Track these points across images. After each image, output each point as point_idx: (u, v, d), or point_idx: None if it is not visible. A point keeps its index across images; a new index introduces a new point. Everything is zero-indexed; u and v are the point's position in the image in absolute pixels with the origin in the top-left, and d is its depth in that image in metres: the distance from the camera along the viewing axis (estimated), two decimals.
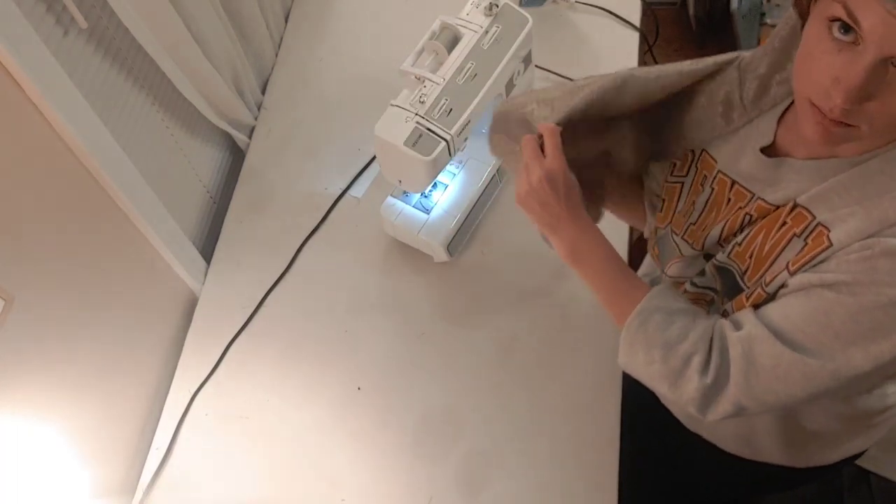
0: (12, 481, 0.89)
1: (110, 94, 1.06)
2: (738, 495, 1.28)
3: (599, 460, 1.09)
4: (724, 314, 0.81)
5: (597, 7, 1.52)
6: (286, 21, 1.59)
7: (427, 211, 1.23)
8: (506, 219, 1.31)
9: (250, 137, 1.44)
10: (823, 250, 0.69)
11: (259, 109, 1.47)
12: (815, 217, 0.71)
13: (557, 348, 1.19)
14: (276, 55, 1.54)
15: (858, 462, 1.41)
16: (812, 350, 0.68)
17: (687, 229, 0.89)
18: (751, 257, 0.78)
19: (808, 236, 0.72)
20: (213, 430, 1.17)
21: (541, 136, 0.83)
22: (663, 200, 0.93)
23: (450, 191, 1.25)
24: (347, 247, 1.32)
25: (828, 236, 0.69)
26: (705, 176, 0.86)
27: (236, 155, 1.48)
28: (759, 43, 2.22)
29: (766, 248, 0.76)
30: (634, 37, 1.49)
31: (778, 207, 0.76)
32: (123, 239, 1.10)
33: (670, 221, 0.92)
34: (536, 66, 1.39)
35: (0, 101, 0.83)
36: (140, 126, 1.14)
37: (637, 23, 1.50)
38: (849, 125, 0.63)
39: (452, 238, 1.23)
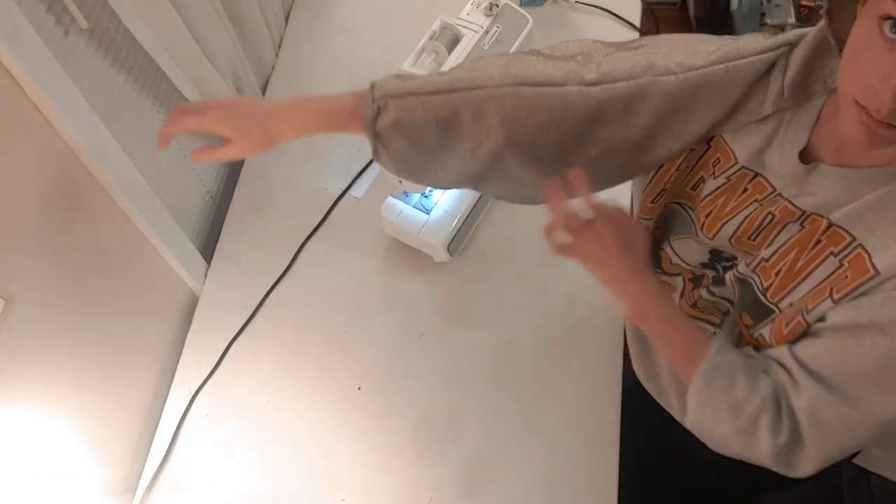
0: (12, 481, 0.89)
1: (110, 94, 1.06)
2: (738, 494, 1.28)
3: (599, 460, 1.10)
4: (753, 341, 0.81)
5: (597, 7, 1.52)
6: (286, 21, 1.59)
7: (427, 211, 1.23)
8: (506, 219, 1.31)
9: None
10: (870, 278, 0.68)
11: None
12: (854, 238, 0.71)
13: (557, 348, 1.19)
14: (276, 55, 1.54)
15: (858, 462, 1.41)
16: (876, 403, 0.69)
17: (704, 212, 0.85)
18: (777, 274, 0.77)
19: (845, 257, 0.71)
20: (213, 430, 1.17)
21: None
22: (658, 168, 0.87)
23: (450, 191, 1.25)
24: (347, 247, 1.32)
25: (870, 261, 0.69)
26: (719, 159, 0.82)
27: None
28: None
29: (798, 265, 0.75)
30: (634, 37, 1.49)
31: (804, 213, 0.75)
32: (123, 239, 1.10)
33: (664, 189, 0.87)
34: None
35: (0, 101, 0.83)
36: (140, 126, 1.14)
37: (637, 23, 1.50)
38: (895, 127, 0.61)
39: (452, 238, 1.23)
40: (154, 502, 1.12)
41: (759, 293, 0.79)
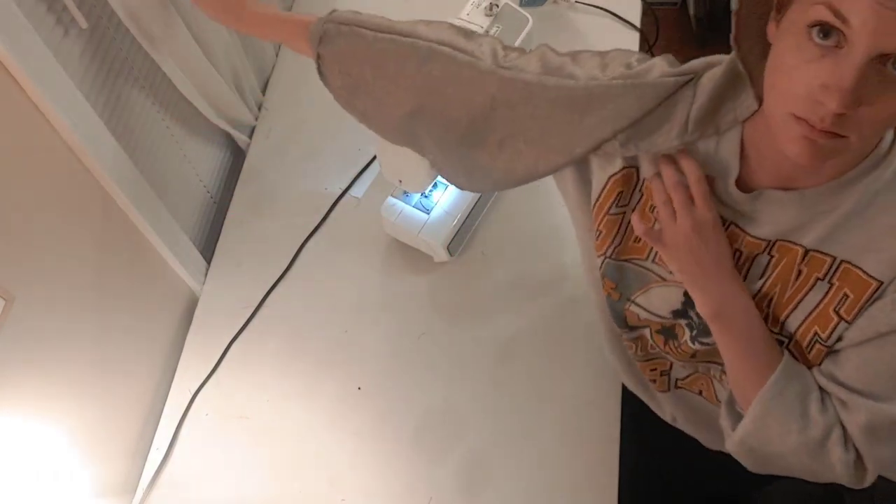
0: (12, 481, 0.89)
1: (110, 95, 1.06)
2: (738, 491, 1.28)
3: (600, 459, 1.10)
4: None
5: (597, 7, 1.52)
6: None
7: (427, 211, 1.23)
8: (506, 219, 1.31)
9: (251, 137, 1.44)
10: (876, 290, 0.69)
11: (259, 109, 1.47)
12: (835, 257, 0.71)
13: (558, 348, 1.19)
14: (276, 55, 1.54)
15: None
16: None
17: (655, 256, 0.84)
18: (768, 306, 0.77)
19: (833, 276, 0.71)
20: (213, 430, 1.17)
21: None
22: (599, 232, 0.86)
23: (450, 191, 1.25)
24: (347, 247, 1.32)
25: (864, 273, 0.69)
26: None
27: (236, 155, 1.48)
28: None
29: (786, 297, 0.75)
30: (634, 37, 1.49)
31: (769, 242, 0.75)
32: (123, 239, 1.10)
33: (615, 249, 0.86)
34: None
35: (0, 101, 0.84)
36: (140, 126, 1.14)
37: (637, 23, 1.50)
38: (839, 136, 0.60)
39: (452, 238, 1.23)
40: (154, 502, 1.13)
41: None
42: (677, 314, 0.85)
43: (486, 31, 1.11)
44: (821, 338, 0.74)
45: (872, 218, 0.69)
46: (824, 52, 0.57)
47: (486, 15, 1.13)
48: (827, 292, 0.72)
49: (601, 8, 1.51)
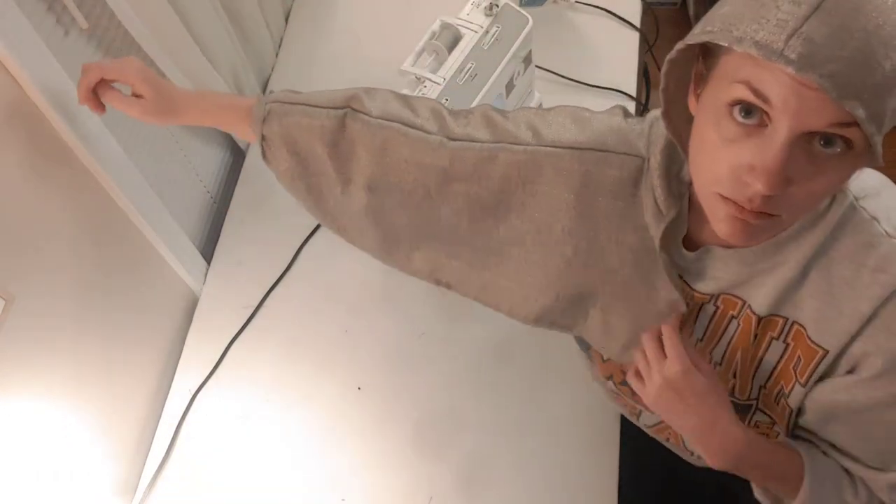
0: (13, 481, 0.89)
1: None
2: (738, 489, 1.28)
3: (599, 459, 1.10)
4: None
5: (597, 7, 1.52)
6: (286, 21, 1.59)
7: None
8: None
9: None
10: (822, 358, 0.69)
11: None
12: (787, 318, 0.71)
13: (557, 348, 1.19)
14: (276, 55, 1.54)
15: None
16: None
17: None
18: (735, 376, 0.77)
19: (787, 336, 0.72)
20: (213, 430, 1.17)
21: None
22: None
23: None
24: (347, 247, 1.31)
25: (810, 340, 0.69)
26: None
27: (236, 155, 1.48)
28: None
29: (748, 361, 0.76)
30: (634, 37, 1.49)
31: (712, 296, 0.74)
32: (124, 239, 1.10)
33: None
34: (536, 66, 1.39)
35: (0, 101, 0.84)
36: (140, 126, 1.14)
37: (637, 23, 1.50)
38: (769, 215, 0.58)
39: None
40: (154, 502, 1.13)
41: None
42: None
43: (486, 31, 1.11)
44: (785, 394, 0.74)
45: (815, 283, 0.68)
46: (748, 130, 0.55)
47: (486, 15, 1.12)
48: (784, 351, 0.73)
49: (601, 8, 1.51)
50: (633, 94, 1.41)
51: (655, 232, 0.72)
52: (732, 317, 0.75)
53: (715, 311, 0.76)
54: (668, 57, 0.60)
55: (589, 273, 0.78)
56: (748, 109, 0.55)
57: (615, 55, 1.46)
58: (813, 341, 0.69)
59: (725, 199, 0.58)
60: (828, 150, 0.54)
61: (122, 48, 1.09)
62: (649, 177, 0.72)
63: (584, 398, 1.14)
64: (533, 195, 0.77)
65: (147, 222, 1.11)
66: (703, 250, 0.72)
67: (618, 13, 1.51)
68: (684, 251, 0.73)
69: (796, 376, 0.72)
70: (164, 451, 1.15)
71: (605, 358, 0.89)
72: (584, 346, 0.91)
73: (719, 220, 0.61)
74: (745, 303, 0.73)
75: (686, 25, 2.50)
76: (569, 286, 0.80)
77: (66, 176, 0.96)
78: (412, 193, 0.81)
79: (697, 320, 0.78)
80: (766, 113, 0.54)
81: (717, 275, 0.72)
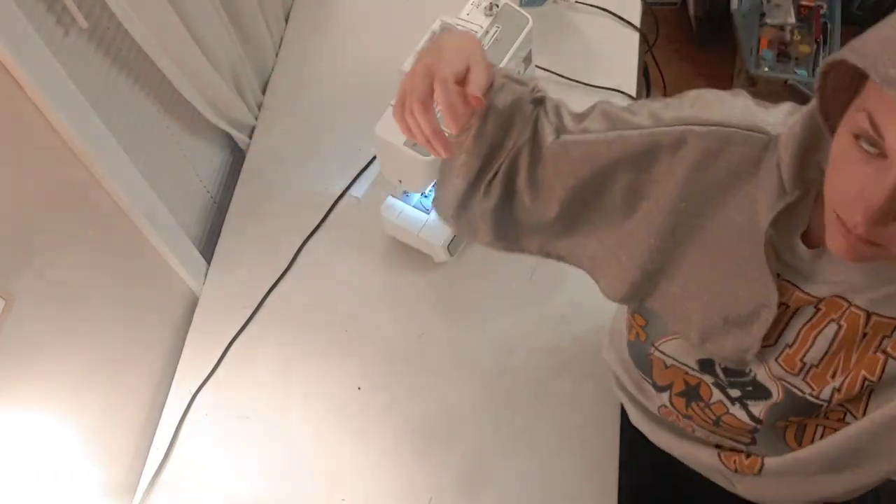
0: (12, 482, 0.89)
1: (110, 94, 1.06)
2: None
3: (599, 458, 1.10)
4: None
5: (597, 7, 1.52)
6: (286, 21, 1.59)
7: (427, 211, 1.23)
8: None
9: (250, 137, 1.44)
10: None
11: (259, 109, 1.47)
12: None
13: (557, 348, 1.19)
14: (276, 55, 1.54)
15: None
16: None
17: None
18: (833, 377, 0.73)
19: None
20: (213, 430, 1.17)
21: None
22: None
23: None
24: (347, 247, 1.32)
25: None
26: None
27: (236, 155, 1.48)
28: (759, 43, 2.23)
29: (852, 362, 0.71)
30: (634, 37, 1.49)
31: (819, 300, 0.70)
32: (124, 239, 1.10)
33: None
34: (536, 66, 1.39)
35: (0, 101, 0.84)
36: (140, 126, 1.14)
37: (637, 23, 1.50)
38: (875, 244, 0.56)
39: (452, 238, 1.23)
40: (154, 502, 1.13)
41: (809, 397, 0.74)
42: (703, 366, 0.81)
43: (486, 31, 1.11)
44: (870, 381, 0.70)
45: None
46: (868, 157, 0.54)
47: (486, 15, 1.13)
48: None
49: (601, 8, 1.51)
50: (633, 94, 1.41)
51: (770, 210, 0.68)
52: (832, 320, 0.71)
53: (814, 314, 0.72)
54: (823, 65, 0.58)
55: (683, 251, 0.75)
56: (871, 139, 0.54)
57: (615, 55, 1.46)
58: None
59: (839, 218, 0.58)
60: None
61: (123, 48, 1.09)
62: (776, 154, 0.68)
63: (584, 398, 1.14)
64: (648, 172, 0.74)
65: (147, 222, 1.11)
66: (822, 250, 0.68)
67: (618, 13, 1.51)
68: (802, 247, 0.69)
69: (887, 354, 0.68)
70: (164, 451, 1.15)
71: (667, 364, 0.85)
72: (643, 363, 0.87)
73: (831, 237, 0.60)
74: (849, 304, 0.69)
75: (686, 25, 2.50)
76: (655, 262, 0.77)
77: (66, 176, 0.96)
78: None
79: (790, 324, 0.74)
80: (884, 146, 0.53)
81: (834, 279, 0.69)
